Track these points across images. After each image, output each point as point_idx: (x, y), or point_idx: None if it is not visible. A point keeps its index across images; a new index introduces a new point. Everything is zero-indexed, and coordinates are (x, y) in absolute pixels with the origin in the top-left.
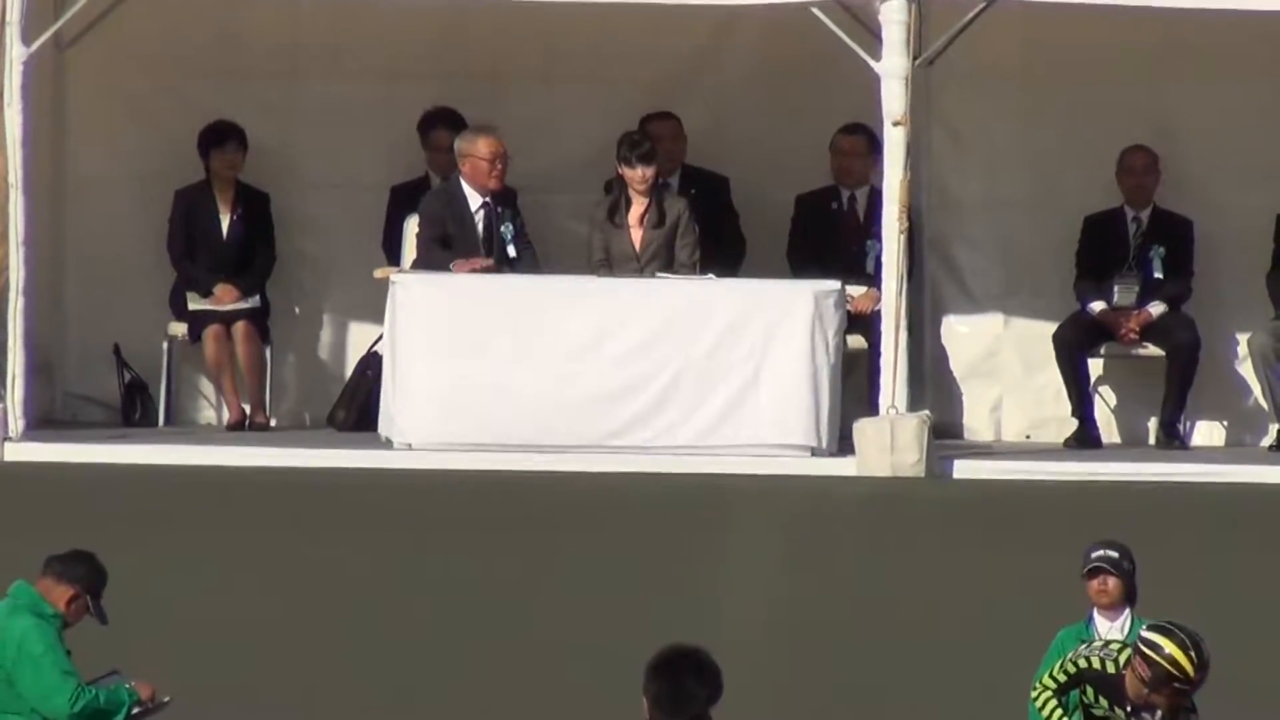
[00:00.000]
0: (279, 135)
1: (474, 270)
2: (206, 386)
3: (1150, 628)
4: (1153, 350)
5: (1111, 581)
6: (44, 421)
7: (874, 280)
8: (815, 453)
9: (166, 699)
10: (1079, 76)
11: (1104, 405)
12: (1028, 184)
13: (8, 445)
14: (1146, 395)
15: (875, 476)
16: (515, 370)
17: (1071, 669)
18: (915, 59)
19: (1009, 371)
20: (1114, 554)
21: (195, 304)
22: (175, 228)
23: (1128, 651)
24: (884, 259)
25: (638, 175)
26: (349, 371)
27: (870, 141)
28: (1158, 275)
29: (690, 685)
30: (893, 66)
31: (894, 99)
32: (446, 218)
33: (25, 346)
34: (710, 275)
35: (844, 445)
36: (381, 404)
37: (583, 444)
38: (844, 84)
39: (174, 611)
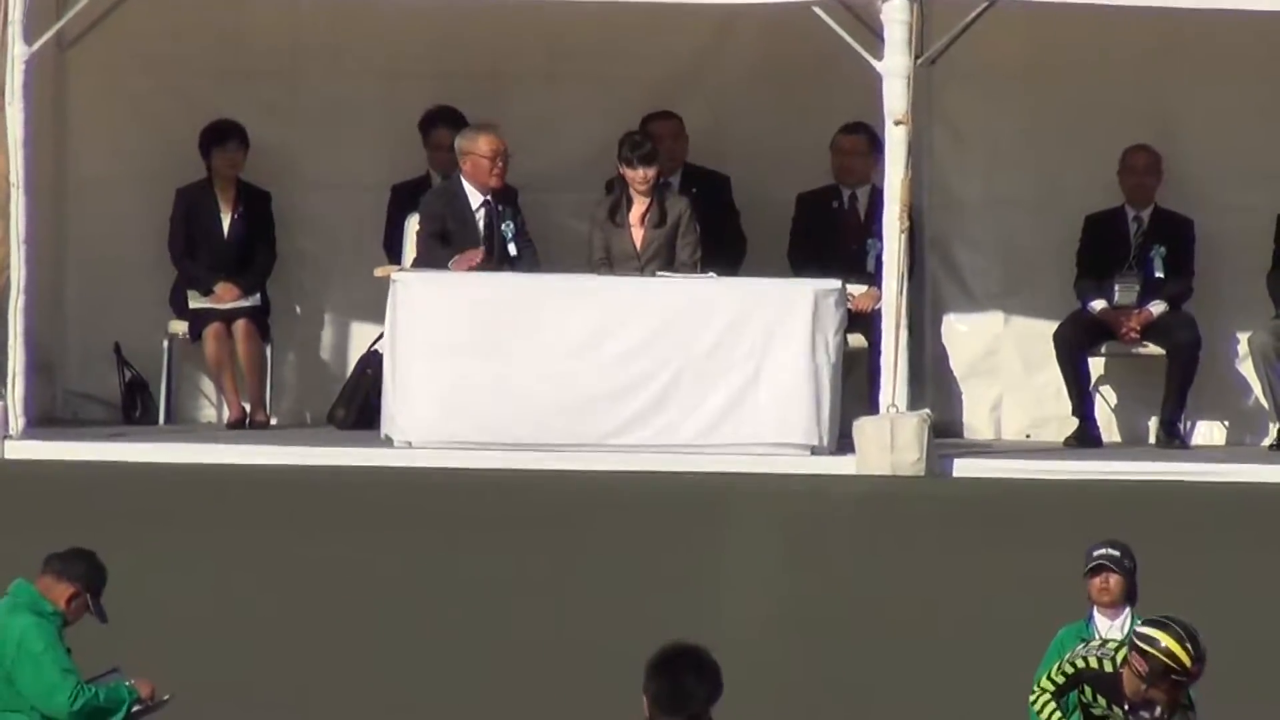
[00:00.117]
0: (280, 134)
1: (470, 265)
2: (207, 385)
3: (1146, 622)
4: (1153, 349)
5: (1113, 580)
6: (44, 420)
7: (874, 279)
8: (815, 451)
9: (166, 697)
10: (1080, 76)
11: (1104, 404)
12: (1029, 183)
13: (8, 443)
14: (1147, 394)
15: (875, 475)
16: (516, 369)
17: (1069, 670)
18: (917, 58)
19: (1009, 370)
20: (1115, 552)
21: (196, 302)
22: (176, 226)
23: (1125, 650)
24: (885, 258)
25: (639, 176)
26: (349, 370)
27: (871, 141)
28: (1159, 274)
29: (690, 684)
30: (894, 66)
31: (895, 98)
32: (447, 216)
33: (26, 345)
34: (711, 274)
35: (844, 444)
36: (382, 403)
37: (583, 443)
38: (845, 83)
39: (174, 609)
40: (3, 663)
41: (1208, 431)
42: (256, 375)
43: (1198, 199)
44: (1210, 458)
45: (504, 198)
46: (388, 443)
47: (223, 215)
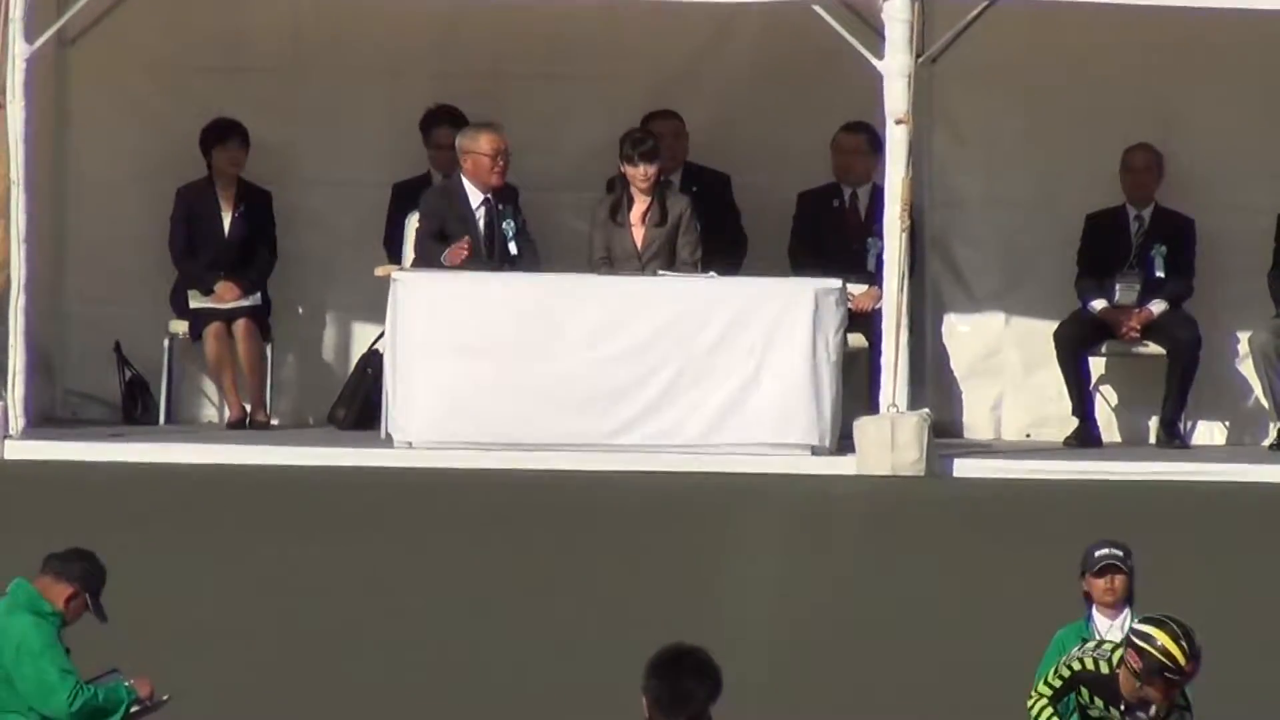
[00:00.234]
0: (281, 133)
1: (460, 255)
2: (207, 384)
3: (1143, 620)
4: (1154, 349)
5: (1119, 580)
6: (44, 419)
7: (875, 278)
8: (816, 451)
9: (165, 697)
10: (1081, 75)
11: (1104, 404)
12: (1029, 182)
13: (8, 443)
14: (1147, 394)
15: (875, 475)
16: (516, 368)
17: (1066, 672)
18: (918, 57)
19: (1009, 370)
20: (1120, 552)
21: (196, 302)
22: (176, 225)
23: (1120, 651)
24: (885, 257)
25: (640, 173)
26: (350, 370)
27: (872, 140)
28: (1159, 274)
29: (690, 684)
30: (896, 65)
31: (896, 97)
32: (446, 215)
33: (26, 344)
34: (711, 273)
35: (844, 444)
36: (382, 402)
37: (583, 442)
38: (846, 82)
39: (173, 609)
40: (2, 663)
41: (1208, 431)
42: (257, 375)
43: (1198, 198)
44: (1210, 457)
45: (505, 197)
46: (388, 442)
47: (223, 214)
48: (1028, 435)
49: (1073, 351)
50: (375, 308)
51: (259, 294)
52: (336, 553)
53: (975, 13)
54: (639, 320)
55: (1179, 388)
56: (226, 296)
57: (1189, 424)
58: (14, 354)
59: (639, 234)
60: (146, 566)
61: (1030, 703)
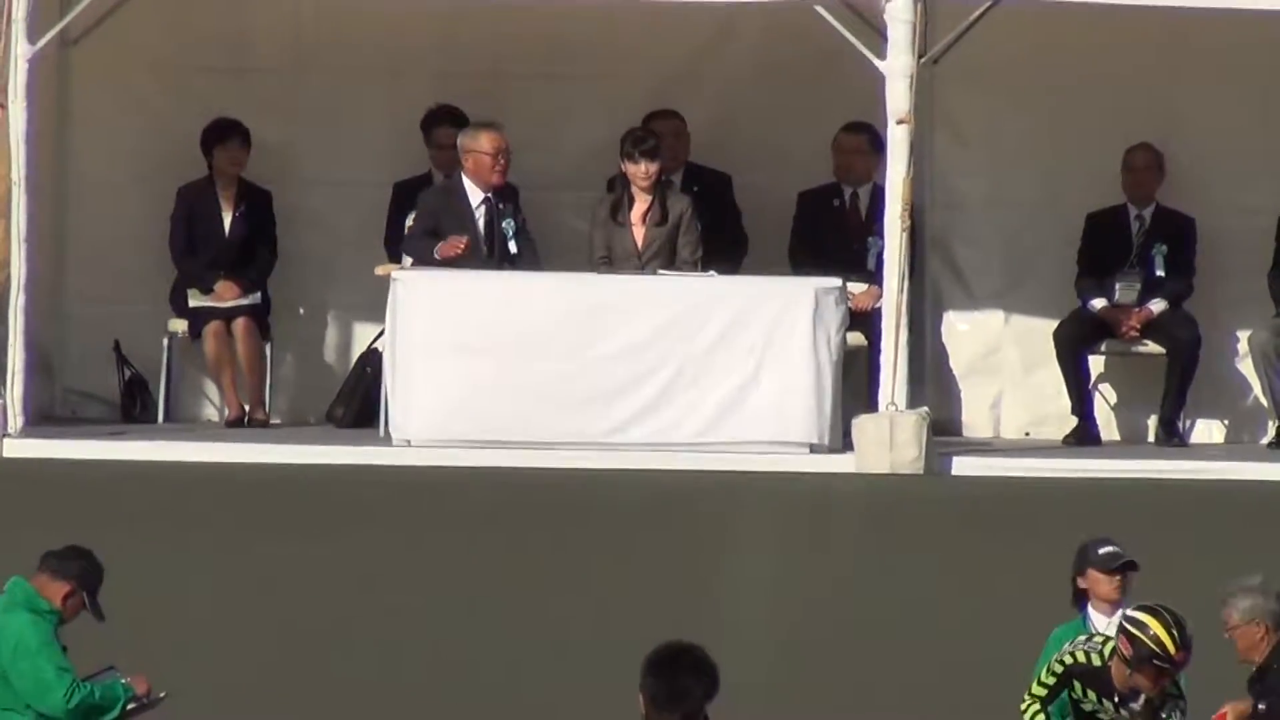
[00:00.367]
0: (282, 132)
1: (454, 250)
2: (207, 384)
3: (1137, 608)
4: (1153, 348)
5: (1131, 578)
6: (44, 418)
7: (875, 278)
8: (815, 449)
9: (162, 695)
10: (1082, 76)
11: (1104, 402)
12: (1030, 182)
13: (7, 441)
14: (1146, 393)
15: (874, 473)
16: (516, 367)
17: (1059, 668)
18: (920, 58)
19: (1009, 368)
20: (1123, 552)
21: (196, 300)
22: (177, 225)
23: (1112, 643)
24: (886, 256)
25: (640, 170)
26: (349, 369)
27: (873, 140)
28: (1160, 273)
29: (686, 682)
30: (897, 65)
31: (898, 98)
32: (443, 214)
33: (26, 343)
34: (712, 273)
35: (844, 442)
36: (382, 401)
37: (583, 441)
38: (847, 82)
39: (170, 608)
40: None
41: (1207, 430)
42: (256, 374)
43: (1198, 198)
44: (1209, 456)
45: (505, 196)
46: (387, 441)
47: (224, 213)
48: (1027, 434)
49: (1072, 350)
50: (375, 307)
51: (259, 293)
52: (335, 551)
53: (977, 13)
54: (639, 320)
55: (1178, 386)
56: (226, 295)
57: (1188, 423)
58: (14, 353)
59: (639, 233)
60: (144, 565)
61: (1024, 705)
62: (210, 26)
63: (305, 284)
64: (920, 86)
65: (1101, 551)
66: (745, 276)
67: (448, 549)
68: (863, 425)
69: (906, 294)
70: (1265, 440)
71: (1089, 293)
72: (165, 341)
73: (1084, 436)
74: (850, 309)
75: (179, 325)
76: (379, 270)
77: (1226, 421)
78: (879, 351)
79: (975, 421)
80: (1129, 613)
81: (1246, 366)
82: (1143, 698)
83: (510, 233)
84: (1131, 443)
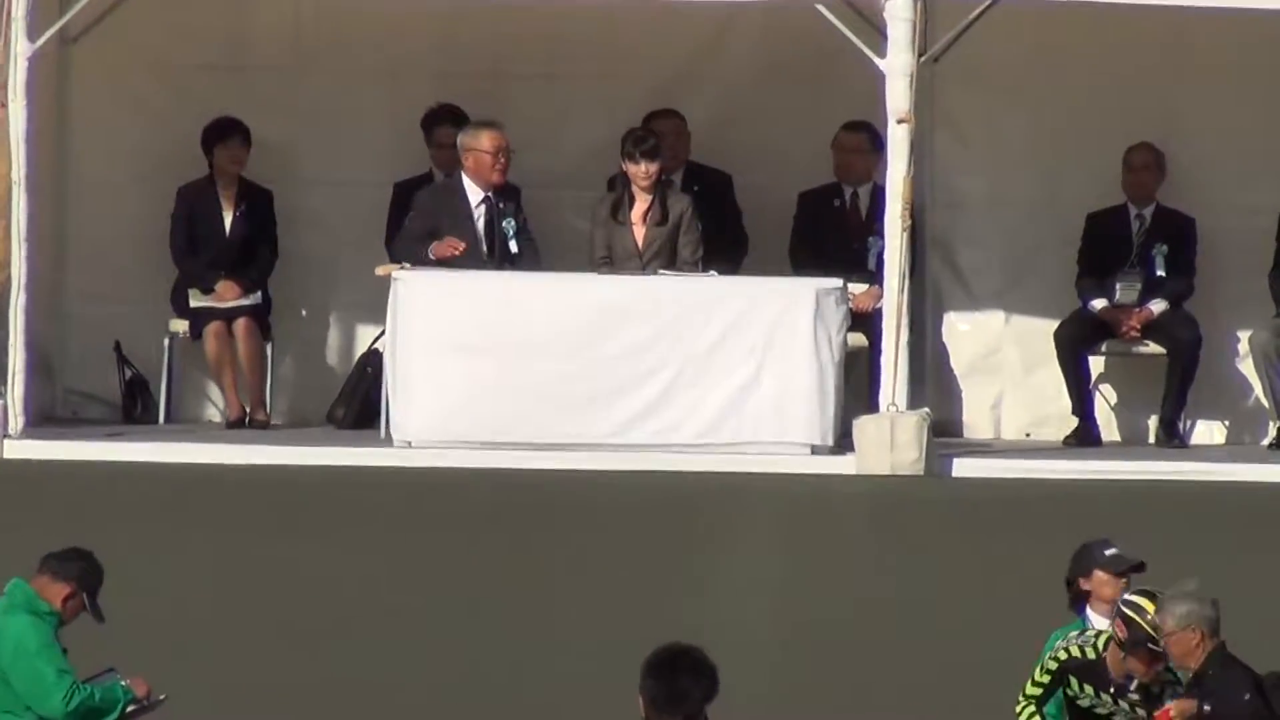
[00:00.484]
0: (282, 132)
1: (450, 251)
2: (207, 384)
3: (1135, 592)
4: (1154, 348)
5: (1133, 581)
6: (44, 418)
7: (875, 278)
8: (816, 450)
9: (162, 697)
10: (1082, 75)
11: (1104, 403)
12: (1030, 182)
13: (8, 442)
14: (1147, 393)
15: (875, 474)
16: (516, 368)
17: (1053, 665)
18: (920, 57)
19: (1009, 369)
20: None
21: (196, 301)
22: (177, 225)
23: (1106, 635)
24: (886, 256)
25: (641, 170)
26: (350, 369)
27: (873, 139)
28: (1160, 273)
29: (686, 684)
30: (898, 64)
31: (898, 97)
32: (440, 214)
33: (26, 343)
34: (712, 272)
35: (844, 443)
36: (382, 402)
37: (584, 441)
38: (847, 81)
39: (171, 609)
40: None
41: (1208, 430)
42: (257, 374)
43: (1199, 198)
44: (1210, 457)
45: (506, 196)
46: (388, 442)
47: (224, 213)
48: (1027, 434)
49: (1073, 351)
50: (375, 307)
51: (259, 293)
52: (336, 552)
53: (977, 12)
54: (640, 320)
55: (1179, 387)
56: (227, 295)
57: (1189, 423)
58: (14, 353)
59: (640, 233)
60: (145, 566)
61: (1019, 708)
62: (210, 25)
63: (306, 284)
64: (920, 86)
65: (1108, 553)
66: (746, 277)
67: (448, 549)
68: (863, 426)
69: (907, 294)
70: (1266, 441)
71: (1089, 293)
72: (166, 342)
73: (1085, 437)
74: (851, 310)
75: (180, 325)
76: (379, 270)
77: (1227, 422)
78: (880, 352)
79: (976, 422)
80: (1126, 597)
81: (1247, 367)
82: (1135, 682)
83: (511, 232)
84: (1132, 444)
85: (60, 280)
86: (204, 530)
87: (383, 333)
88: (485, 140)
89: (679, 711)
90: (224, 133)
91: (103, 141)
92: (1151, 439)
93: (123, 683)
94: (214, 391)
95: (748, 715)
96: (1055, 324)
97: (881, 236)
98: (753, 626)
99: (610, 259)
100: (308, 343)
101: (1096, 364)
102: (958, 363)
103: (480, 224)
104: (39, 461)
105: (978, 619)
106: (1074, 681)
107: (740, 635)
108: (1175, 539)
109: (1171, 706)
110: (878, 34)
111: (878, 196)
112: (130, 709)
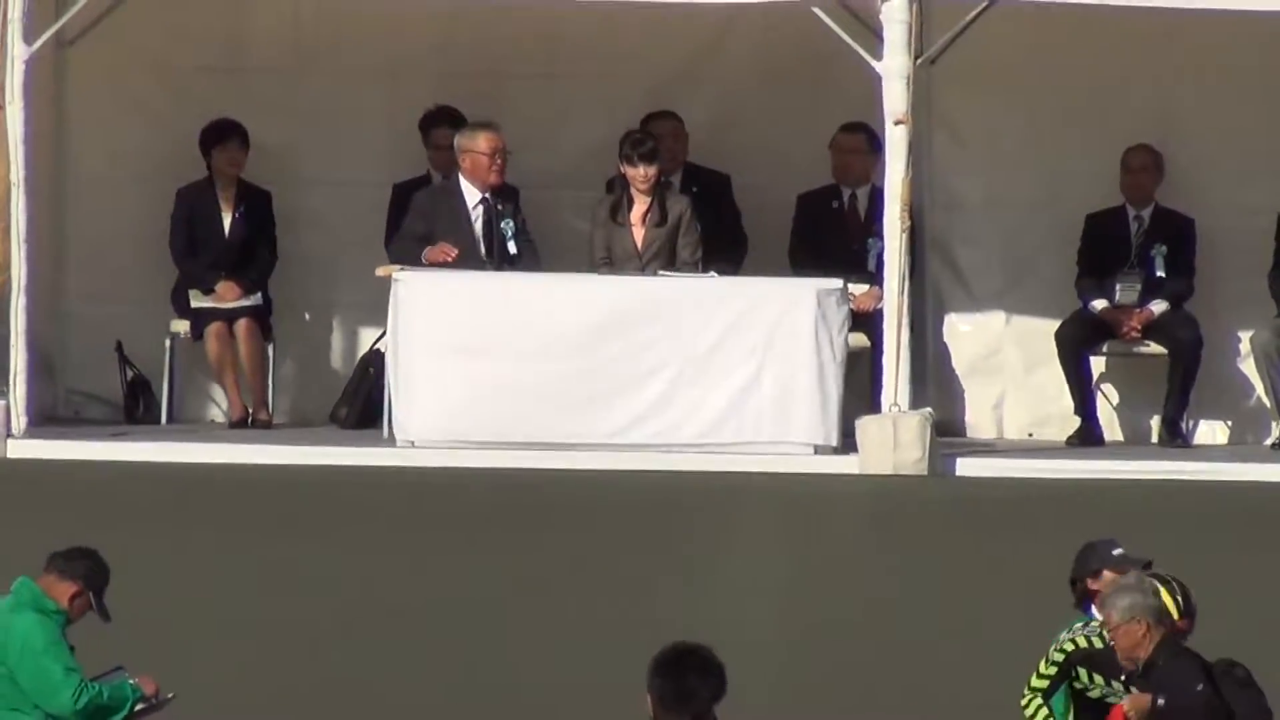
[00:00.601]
0: (281, 133)
1: (443, 257)
2: (209, 384)
3: (1151, 575)
4: (1155, 348)
5: None
6: (46, 419)
7: (875, 279)
8: (818, 450)
9: (170, 695)
10: (1080, 76)
11: (1106, 403)
12: (1029, 183)
13: (10, 442)
14: (1149, 393)
15: (877, 474)
16: (517, 368)
17: (1059, 657)
18: (917, 58)
19: (1011, 369)
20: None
21: (197, 301)
22: (177, 225)
23: None
24: (886, 257)
25: (640, 174)
26: (351, 369)
27: (871, 140)
28: (1160, 273)
29: (694, 683)
30: (894, 66)
31: (895, 98)
32: (436, 215)
33: (27, 344)
34: (712, 273)
35: (846, 443)
36: (384, 402)
37: (585, 442)
38: (845, 83)
39: (176, 608)
40: (6, 661)
41: (1210, 431)
42: (258, 374)
43: (1198, 198)
44: (1212, 457)
45: (505, 196)
46: (390, 442)
47: (224, 214)
48: (1030, 434)
49: (1074, 351)
50: (376, 308)
51: (260, 294)
52: (338, 552)
53: (974, 14)
54: (640, 320)
55: (1181, 387)
56: (228, 296)
57: (1191, 423)
58: (15, 354)
59: (639, 234)
60: (149, 565)
61: (1024, 701)
62: (208, 27)
63: (306, 285)
64: (917, 87)
65: (1115, 553)
66: (747, 277)
67: (450, 549)
68: (866, 426)
69: (907, 295)
70: (1269, 441)
71: (1089, 293)
72: (167, 342)
73: (1087, 437)
74: (852, 310)
75: (181, 326)
76: (380, 271)
77: (1230, 422)
78: (881, 352)
79: (978, 422)
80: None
81: (1249, 367)
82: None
83: (510, 233)
84: (1135, 444)
85: (61, 281)
86: (207, 530)
87: (384, 333)
88: (481, 141)
89: (687, 710)
90: (222, 135)
91: (101, 143)
92: (1154, 439)
93: (131, 681)
94: (216, 392)
95: (751, 714)
96: (1056, 324)
97: (881, 238)
98: (755, 627)
99: (610, 260)
100: (309, 343)
101: (1098, 364)
102: (959, 363)
103: (478, 225)
104: (42, 461)
105: (981, 618)
106: (1082, 673)
107: (743, 636)
108: (1179, 539)
109: (1125, 702)
110: (874, 36)
111: (876, 198)
112: (139, 707)
